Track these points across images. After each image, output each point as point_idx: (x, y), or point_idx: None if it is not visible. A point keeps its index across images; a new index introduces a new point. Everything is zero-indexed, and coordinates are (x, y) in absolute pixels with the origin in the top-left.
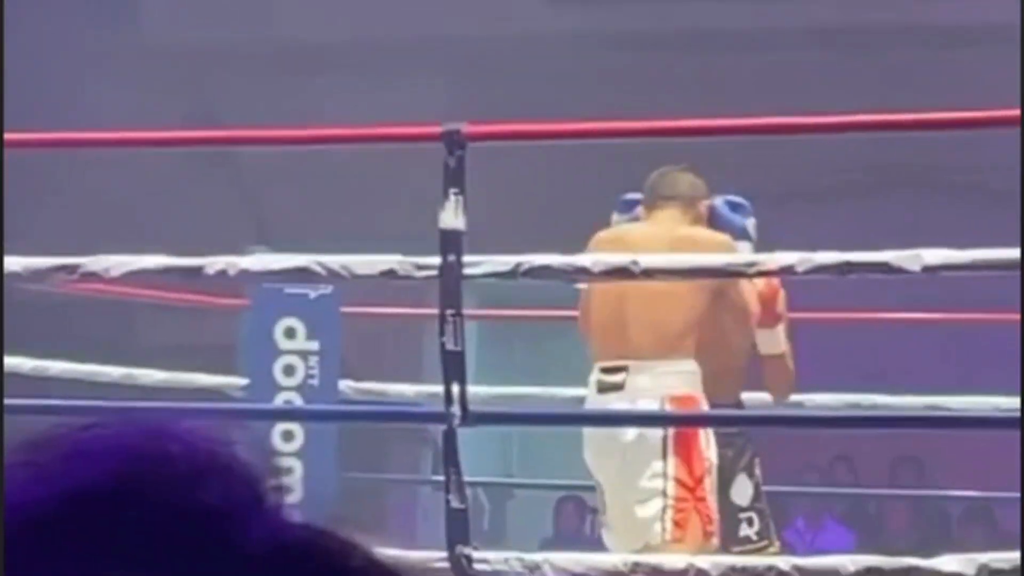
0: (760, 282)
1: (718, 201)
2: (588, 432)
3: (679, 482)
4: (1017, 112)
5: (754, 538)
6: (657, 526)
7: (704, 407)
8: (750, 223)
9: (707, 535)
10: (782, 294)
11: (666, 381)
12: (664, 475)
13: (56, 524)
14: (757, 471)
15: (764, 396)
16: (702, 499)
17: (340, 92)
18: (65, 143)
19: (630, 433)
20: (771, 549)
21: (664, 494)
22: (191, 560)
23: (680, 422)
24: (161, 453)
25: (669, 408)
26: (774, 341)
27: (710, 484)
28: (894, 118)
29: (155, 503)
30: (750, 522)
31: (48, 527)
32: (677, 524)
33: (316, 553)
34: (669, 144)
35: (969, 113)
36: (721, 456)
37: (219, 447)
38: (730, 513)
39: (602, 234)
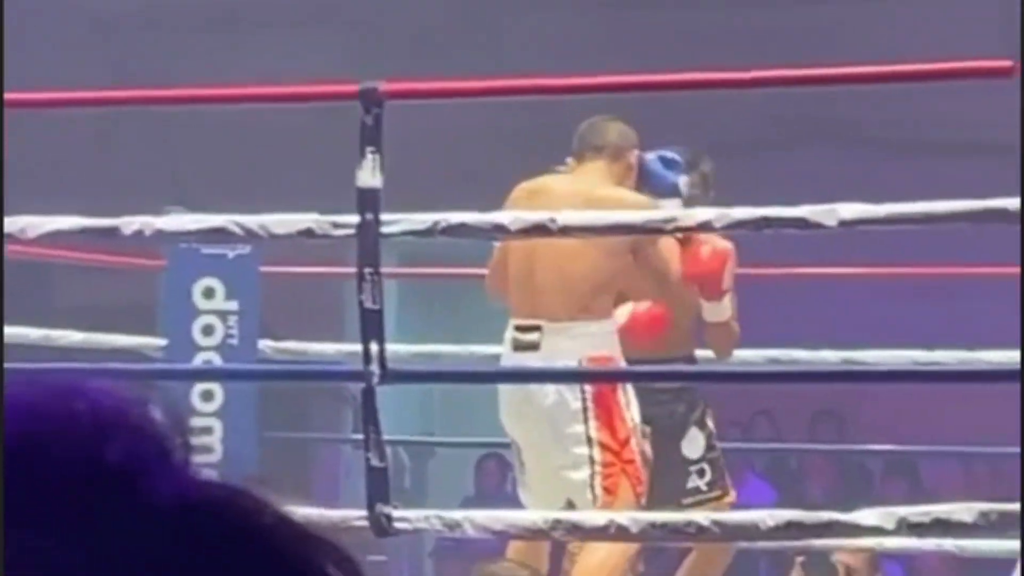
0: (706, 255)
1: (651, 156)
2: (505, 394)
3: (604, 446)
4: (947, 65)
5: (704, 488)
6: (588, 493)
7: (622, 366)
8: (682, 180)
9: (637, 496)
10: (730, 266)
11: (582, 343)
12: (588, 440)
13: None
14: (709, 422)
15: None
16: (630, 461)
17: (256, 51)
18: None
19: (550, 397)
20: (726, 499)
21: (591, 460)
22: (96, 518)
23: (598, 378)
24: (66, 411)
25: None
26: (719, 310)
27: (636, 444)
28: (805, 73)
29: (59, 462)
30: (701, 473)
31: None
32: (607, 490)
33: (224, 510)
34: (582, 101)
35: (888, 67)
36: (672, 411)
37: (126, 404)
38: (680, 466)
39: (524, 184)
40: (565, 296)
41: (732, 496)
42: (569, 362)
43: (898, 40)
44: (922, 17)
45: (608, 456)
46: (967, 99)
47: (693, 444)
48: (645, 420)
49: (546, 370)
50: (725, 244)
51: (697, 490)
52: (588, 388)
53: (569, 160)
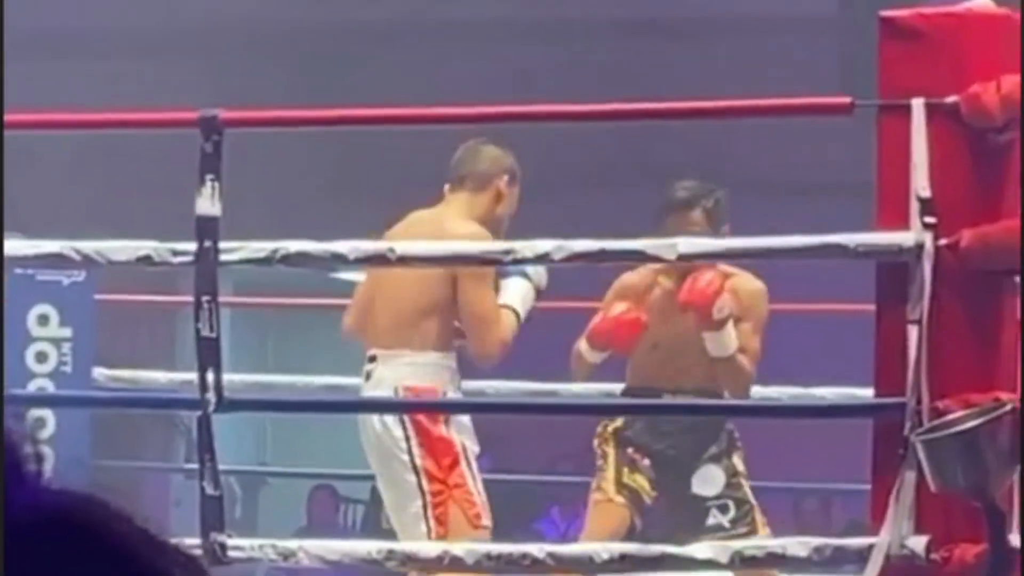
0: (700, 283)
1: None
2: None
3: (428, 474)
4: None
5: (727, 525)
6: (422, 526)
7: (449, 396)
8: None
9: (473, 521)
10: (725, 297)
11: (401, 372)
12: (414, 468)
13: None
14: (735, 460)
15: (517, 385)
16: (459, 486)
17: (92, 78)
18: None
19: (377, 426)
20: (759, 535)
21: (421, 490)
22: None
23: (420, 408)
24: None
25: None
26: (719, 344)
27: (465, 468)
28: (634, 107)
29: None
30: (723, 509)
31: None
32: (438, 520)
33: (77, 520)
34: (428, 132)
35: (726, 102)
36: (676, 445)
37: None
38: (692, 503)
39: (411, 215)
40: (394, 325)
41: (765, 532)
42: (386, 391)
43: (734, 78)
44: (761, 56)
45: (435, 485)
46: (803, 140)
47: (707, 481)
48: (647, 454)
49: (377, 400)
50: (742, 278)
51: (720, 527)
52: (407, 417)
53: (445, 188)
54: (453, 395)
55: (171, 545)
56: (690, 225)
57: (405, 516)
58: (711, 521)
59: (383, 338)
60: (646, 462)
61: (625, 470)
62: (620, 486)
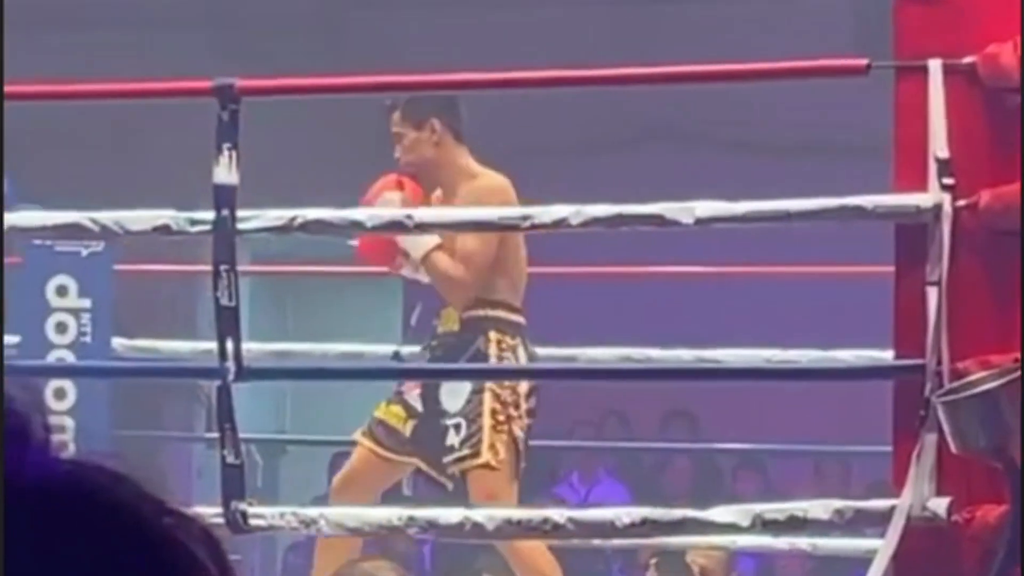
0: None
1: None
2: None
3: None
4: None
5: (456, 446)
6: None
7: None
8: None
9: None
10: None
11: None
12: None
13: None
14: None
15: (536, 350)
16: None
17: (106, 47)
18: None
19: None
20: (478, 460)
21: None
22: None
23: (442, 375)
24: None
25: None
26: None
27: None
28: (650, 71)
29: None
30: (457, 428)
31: None
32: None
33: (88, 489)
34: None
35: (743, 65)
36: (432, 356)
37: None
38: (441, 424)
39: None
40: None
41: (484, 459)
42: None
43: (750, 40)
44: (777, 17)
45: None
46: (819, 102)
47: (452, 393)
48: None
49: (391, 367)
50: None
51: (452, 448)
52: None
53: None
54: None
55: (183, 513)
56: (394, 126)
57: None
58: (447, 442)
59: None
60: (416, 391)
61: (383, 405)
62: (371, 425)
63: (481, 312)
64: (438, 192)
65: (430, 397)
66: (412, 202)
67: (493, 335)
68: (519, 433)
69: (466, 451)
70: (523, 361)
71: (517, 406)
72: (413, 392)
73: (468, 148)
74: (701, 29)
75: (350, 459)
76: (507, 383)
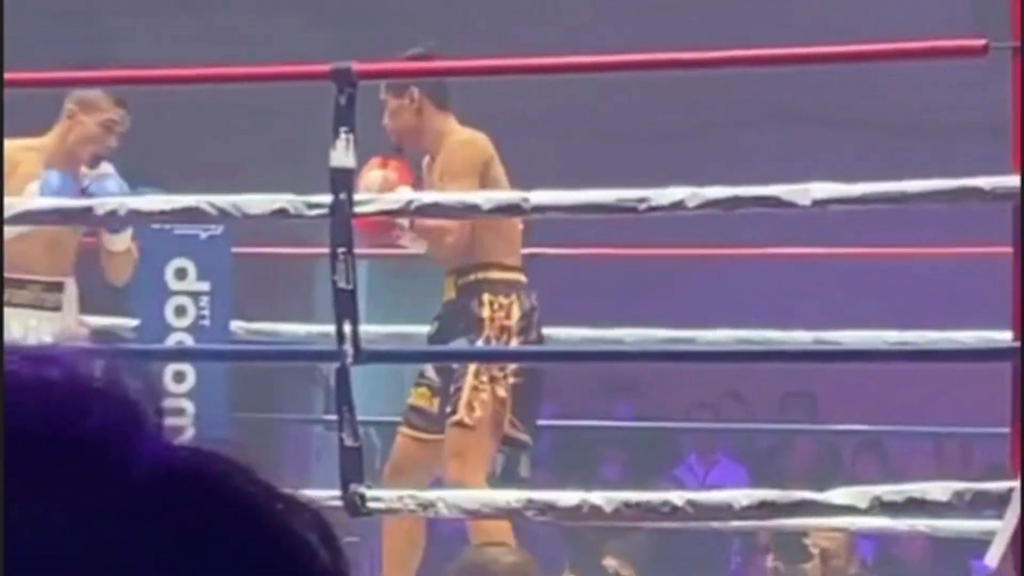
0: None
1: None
2: None
3: None
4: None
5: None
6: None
7: None
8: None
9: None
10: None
11: None
12: None
13: None
14: (479, 343)
15: (654, 333)
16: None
17: (218, 31)
18: None
19: None
20: (457, 415)
21: None
22: (73, 487)
23: (553, 358)
24: (40, 379)
25: None
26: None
27: None
28: (766, 53)
29: (36, 432)
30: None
31: None
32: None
33: (201, 477)
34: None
35: (859, 46)
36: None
37: (100, 372)
38: (449, 387)
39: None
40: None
41: (459, 416)
42: None
43: (862, 21)
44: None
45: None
46: (938, 83)
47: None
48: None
49: (512, 350)
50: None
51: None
52: None
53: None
54: None
55: (294, 498)
56: (381, 95)
57: None
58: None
59: None
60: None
61: (412, 390)
62: (406, 414)
63: (472, 277)
64: (427, 159)
65: (443, 368)
66: (395, 181)
67: (486, 297)
68: (502, 393)
69: (448, 409)
70: (516, 318)
71: (502, 367)
72: (430, 370)
73: (454, 114)
74: (818, 6)
75: (392, 451)
76: (494, 340)
